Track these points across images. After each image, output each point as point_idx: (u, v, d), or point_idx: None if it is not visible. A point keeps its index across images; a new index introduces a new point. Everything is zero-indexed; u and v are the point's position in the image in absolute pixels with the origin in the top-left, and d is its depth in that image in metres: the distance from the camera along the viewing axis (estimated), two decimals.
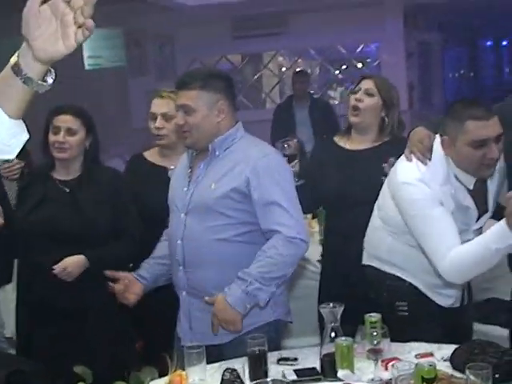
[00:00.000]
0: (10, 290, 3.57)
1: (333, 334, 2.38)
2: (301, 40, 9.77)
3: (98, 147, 3.19)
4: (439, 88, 12.93)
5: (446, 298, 2.77)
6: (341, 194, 3.18)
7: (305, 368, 2.43)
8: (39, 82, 1.38)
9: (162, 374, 2.32)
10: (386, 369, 2.32)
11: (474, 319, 3.22)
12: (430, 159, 2.63)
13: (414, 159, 2.65)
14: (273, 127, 7.12)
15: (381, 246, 2.83)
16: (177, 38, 10.03)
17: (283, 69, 11.27)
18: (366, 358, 2.41)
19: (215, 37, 9.70)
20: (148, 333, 3.38)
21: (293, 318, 2.85)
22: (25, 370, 2.74)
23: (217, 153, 2.69)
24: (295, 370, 2.41)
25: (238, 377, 1.98)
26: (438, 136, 2.66)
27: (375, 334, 2.37)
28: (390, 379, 2.14)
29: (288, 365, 2.48)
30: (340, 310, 2.39)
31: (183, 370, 2.32)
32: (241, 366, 2.20)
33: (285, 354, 2.59)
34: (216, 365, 2.43)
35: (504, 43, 19.46)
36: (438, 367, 2.10)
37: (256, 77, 11.03)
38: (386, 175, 3.01)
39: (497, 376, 2.11)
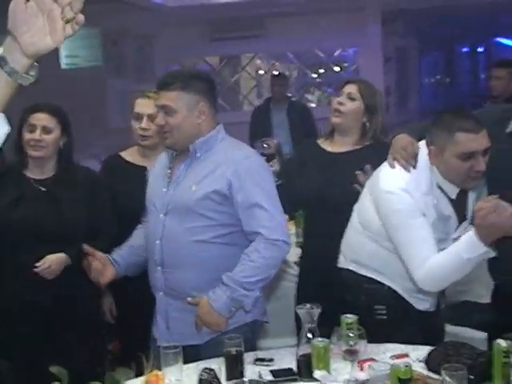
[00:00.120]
0: None
1: (309, 335, 2.40)
2: (279, 43, 9.79)
3: (72, 147, 3.18)
4: (415, 93, 13.02)
5: (424, 302, 2.79)
6: (320, 195, 3.19)
7: (281, 368, 2.44)
8: (23, 74, 1.38)
9: (138, 374, 2.31)
10: (362, 369, 2.33)
11: (446, 321, 3.25)
12: (414, 167, 2.63)
13: (398, 166, 2.65)
14: (251, 129, 7.14)
15: (361, 251, 2.83)
16: (155, 38, 10.00)
17: (261, 71, 11.29)
18: (342, 359, 2.43)
19: (194, 38, 9.69)
20: (124, 333, 3.37)
21: (269, 318, 2.86)
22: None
23: (198, 154, 2.69)
24: (271, 371, 2.41)
25: (216, 377, 1.98)
26: (421, 144, 2.67)
27: (351, 335, 2.39)
28: (366, 380, 2.16)
29: (264, 365, 2.49)
30: (317, 311, 2.41)
31: (159, 370, 2.32)
32: (217, 366, 2.20)
33: (261, 354, 2.60)
34: (192, 365, 2.43)
35: (480, 49, 19.65)
36: (413, 368, 2.12)
37: (234, 79, 11.04)
38: (358, 183, 3.05)
39: (471, 377, 2.14)
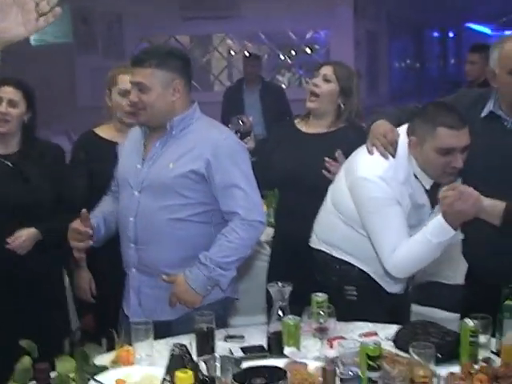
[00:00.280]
0: None
1: (280, 313, 2.42)
2: (251, 24, 9.74)
3: (36, 122, 3.15)
4: (385, 77, 13.07)
5: (394, 286, 2.81)
6: (293, 175, 3.21)
7: (251, 345, 2.46)
8: None
9: (110, 350, 2.32)
10: (332, 347, 2.37)
11: (414, 301, 3.30)
12: (393, 155, 2.62)
13: (376, 153, 2.65)
14: (223, 109, 7.07)
15: (333, 233, 2.84)
16: (125, 16, 9.90)
17: (232, 52, 11.24)
18: (312, 337, 2.46)
19: (164, 17, 9.60)
20: (98, 308, 3.36)
21: (241, 297, 2.89)
22: None
23: (173, 132, 2.68)
24: (242, 348, 2.44)
25: (188, 352, 1.99)
26: (400, 131, 2.67)
27: (322, 313, 2.41)
28: (336, 357, 2.18)
29: (235, 342, 2.51)
30: (288, 289, 2.43)
31: (130, 345, 2.32)
32: (188, 342, 2.21)
33: (232, 331, 2.62)
34: (163, 341, 2.45)
35: (450, 35, 19.78)
36: (382, 346, 2.14)
37: (205, 59, 10.97)
38: (327, 169, 3.08)
39: (439, 356, 2.17)
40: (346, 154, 3.06)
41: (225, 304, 2.78)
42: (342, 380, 2.04)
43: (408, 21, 14.58)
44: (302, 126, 3.35)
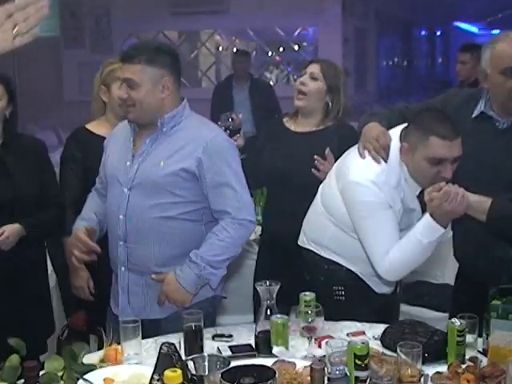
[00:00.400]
0: None
1: (268, 312, 2.42)
2: (239, 20, 9.73)
3: (17, 117, 3.11)
4: (373, 75, 13.10)
5: (383, 287, 2.82)
6: (282, 174, 3.21)
7: (240, 344, 2.46)
8: None
9: (99, 348, 2.32)
10: (320, 346, 2.38)
11: (403, 301, 3.31)
12: (385, 160, 2.61)
13: (368, 157, 2.65)
14: (212, 106, 7.04)
15: (322, 233, 2.84)
16: (114, 10, 9.86)
17: (220, 48, 11.22)
18: (300, 336, 2.47)
19: (153, 12, 9.57)
20: (85, 306, 3.35)
21: (229, 296, 2.89)
22: None
23: (164, 129, 2.67)
24: (230, 347, 2.44)
25: (176, 351, 1.99)
26: (392, 135, 2.67)
27: (309, 312, 2.42)
28: (323, 356, 2.19)
29: (223, 341, 2.51)
30: (276, 288, 2.44)
31: (119, 343, 2.32)
32: (176, 341, 2.21)
33: (220, 330, 2.62)
34: (151, 340, 2.44)
35: (438, 33, 19.85)
36: (369, 345, 2.15)
37: (193, 55, 10.95)
38: (315, 167, 3.08)
39: (426, 355, 2.19)
40: (335, 153, 3.07)
41: (214, 302, 2.78)
42: (329, 379, 2.05)
43: (396, 19, 14.62)
44: (291, 125, 3.35)
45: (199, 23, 10.06)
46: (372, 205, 2.58)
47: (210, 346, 2.44)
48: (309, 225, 2.93)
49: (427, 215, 2.48)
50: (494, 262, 2.66)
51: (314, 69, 3.27)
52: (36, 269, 3.12)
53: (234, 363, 2.05)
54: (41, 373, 2.07)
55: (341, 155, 2.88)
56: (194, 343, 2.36)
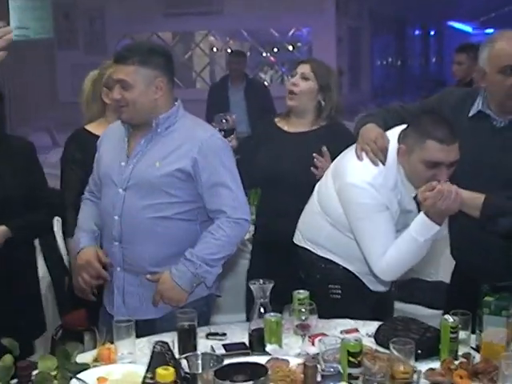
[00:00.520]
0: None
1: (262, 310, 2.42)
2: (233, 21, 9.75)
3: (5, 119, 3.09)
4: (367, 74, 13.13)
5: (379, 285, 2.83)
6: (276, 175, 3.21)
7: (233, 342, 2.46)
8: None
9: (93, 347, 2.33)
10: (313, 344, 2.38)
11: (396, 298, 3.31)
12: (383, 162, 2.61)
13: (366, 159, 2.64)
14: (208, 107, 7.02)
15: (319, 232, 2.84)
16: (108, 12, 9.87)
17: (214, 49, 11.24)
18: (293, 334, 2.47)
19: (147, 13, 9.58)
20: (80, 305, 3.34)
21: (224, 295, 2.90)
22: None
23: (159, 130, 2.67)
24: (224, 345, 2.44)
25: (169, 349, 1.99)
26: (390, 137, 2.66)
27: (303, 310, 2.42)
28: (317, 353, 2.20)
29: (217, 339, 2.51)
30: (269, 286, 2.44)
31: (112, 343, 2.33)
32: (170, 340, 2.21)
33: (214, 329, 2.62)
34: (145, 339, 2.45)
35: (432, 32, 19.89)
36: (363, 342, 2.16)
37: (187, 56, 10.95)
38: (315, 166, 3.08)
39: (419, 352, 2.19)
40: (330, 152, 3.08)
41: (208, 301, 2.78)
42: (323, 376, 2.05)
43: (390, 18, 14.64)
44: (284, 125, 3.35)
45: (193, 24, 10.08)
46: (369, 207, 2.58)
47: (203, 345, 2.44)
48: (305, 224, 2.94)
49: (422, 214, 2.49)
50: (490, 259, 2.66)
51: (305, 69, 3.27)
52: (25, 270, 3.07)
53: (227, 361, 2.06)
54: (34, 372, 2.08)
55: (335, 155, 2.89)
56: (188, 342, 2.36)
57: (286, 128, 3.34)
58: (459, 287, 2.91)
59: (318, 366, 2.06)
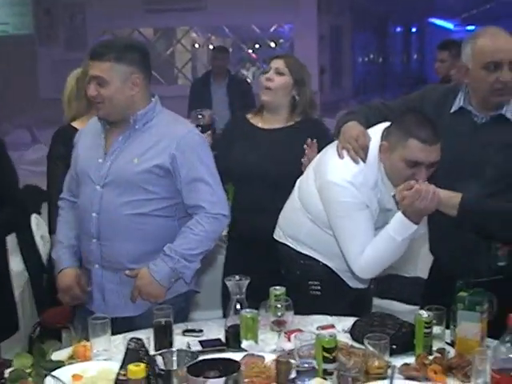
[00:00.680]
0: None
1: (238, 306, 2.43)
2: (215, 17, 9.72)
3: None
4: (348, 72, 13.15)
5: (358, 282, 2.83)
6: (251, 171, 3.20)
7: (210, 339, 2.46)
8: None
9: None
10: (289, 340, 2.39)
11: (376, 295, 3.33)
12: (364, 160, 2.61)
13: (347, 157, 2.64)
14: (190, 103, 6.98)
15: (300, 229, 2.84)
16: (89, 7, 9.81)
17: (196, 45, 11.21)
18: (269, 330, 2.48)
19: (128, 8, 9.54)
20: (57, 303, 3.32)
21: (201, 291, 2.89)
22: None
23: (136, 126, 2.66)
24: (200, 341, 2.43)
25: (143, 346, 1.99)
26: (372, 134, 2.66)
27: (279, 306, 2.43)
28: (293, 349, 2.20)
29: (193, 336, 2.51)
30: (245, 282, 2.44)
31: (88, 340, 2.32)
32: (146, 336, 2.21)
33: (191, 325, 2.62)
34: (121, 336, 2.43)
35: (413, 30, 19.95)
36: (338, 338, 2.17)
37: (168, 52, 10.92)
38: (293, 161, 3.07)
39: (394, 347, 2.21)
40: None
41: (187, 297, 2.79)
42: (298, 372, 2.06)
43: (371, 15, 14.67)
44: (258, 122, 3.34)
45: (175, 20, 10.04)
46: (349, 205, 2.59)
47: (180, 342, 2.44)
48: (285, 220, 2.94)
49: (399, 213, 2.50)
50: (468, 255, 2.67)
51: (279, 64, 3.27)
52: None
53: (203, 357, 2.06)
54: (8, 370, 2.07)
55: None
56: (164, 338, 2.36)
57: (260, 125, 3.32)
58: (437, 283, 2.92)
59: (292, 361, 2.07)
